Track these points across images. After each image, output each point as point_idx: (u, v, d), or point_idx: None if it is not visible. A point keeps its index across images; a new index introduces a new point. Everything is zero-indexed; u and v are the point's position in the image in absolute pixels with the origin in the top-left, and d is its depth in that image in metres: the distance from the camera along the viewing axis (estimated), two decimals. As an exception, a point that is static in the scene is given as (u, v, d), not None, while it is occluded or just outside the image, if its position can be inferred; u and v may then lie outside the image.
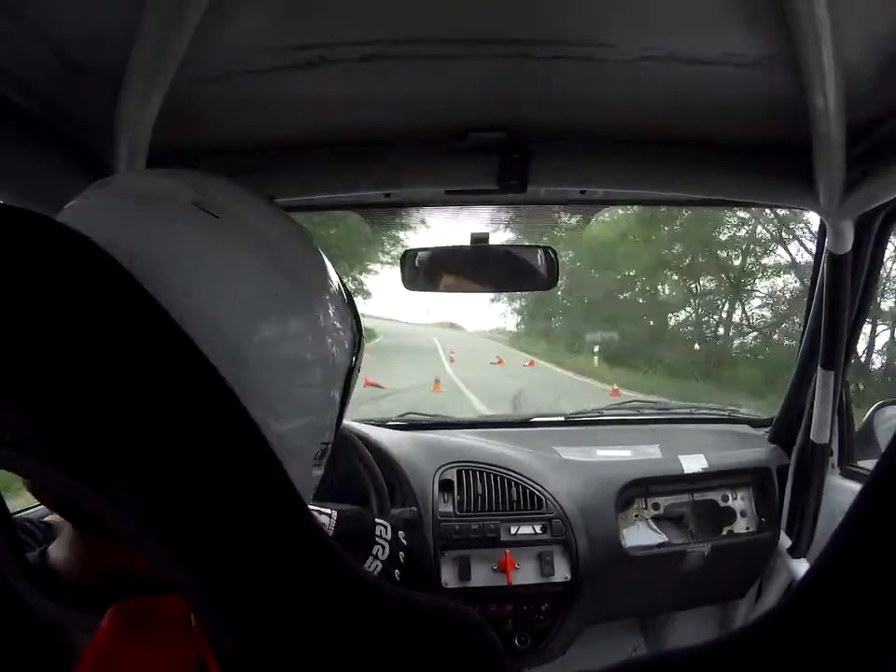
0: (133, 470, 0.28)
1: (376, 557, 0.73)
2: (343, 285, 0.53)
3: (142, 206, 0.43)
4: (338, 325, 0.48)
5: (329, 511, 0.78)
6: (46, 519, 0.58)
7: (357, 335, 0.52)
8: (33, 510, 0.93)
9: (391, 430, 1.50)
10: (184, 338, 0.31)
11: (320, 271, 0.49)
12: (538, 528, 1.29)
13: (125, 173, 0.48)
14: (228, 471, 0.30)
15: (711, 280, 12.83)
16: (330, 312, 0.48)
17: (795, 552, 1.39)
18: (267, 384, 0.42)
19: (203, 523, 0.29)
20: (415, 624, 0.37)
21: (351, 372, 0.50)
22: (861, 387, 8.05)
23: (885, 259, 1.24)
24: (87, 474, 0.28)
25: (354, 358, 0.51)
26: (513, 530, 1.28)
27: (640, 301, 14.07)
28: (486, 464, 1.36)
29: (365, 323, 0.55)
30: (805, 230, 10.63)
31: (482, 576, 1.25)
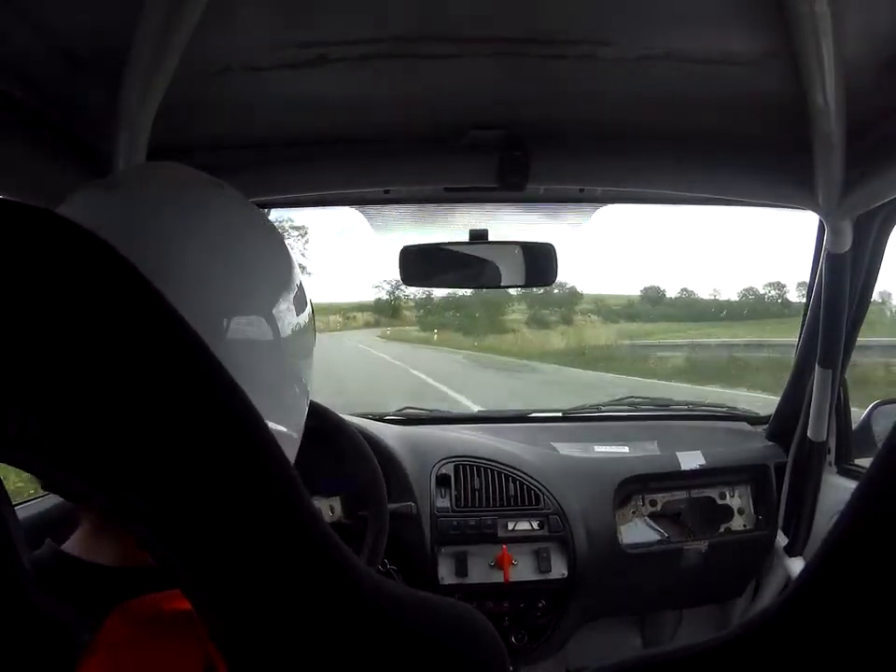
0: (133, 469, 0.28)
1: None
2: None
3: (139, 194, 0.45)
4: (302, 308, 0.51)
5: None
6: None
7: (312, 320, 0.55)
8: (32, 502, 0.93)
9: (389, 425, 1.50)
10: (190, 333, 0.31)
11: (288, 258, 0.52)
12: (535, 524, 1.29)
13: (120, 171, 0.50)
14: (229, 470, 0.30)
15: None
16: (295, 296, 0.50)
17: (792, 549, 1.39)
18: (257, 366, 0.44)
19: (203, 520, 0.29)
20: (417, 622, 0.37)
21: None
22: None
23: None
24: (87, 474, 0.28)
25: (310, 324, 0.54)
26: (511, 526, 1.28)
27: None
28: (484, 459, 1.36)
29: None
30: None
31: (478, 572, 1.25)
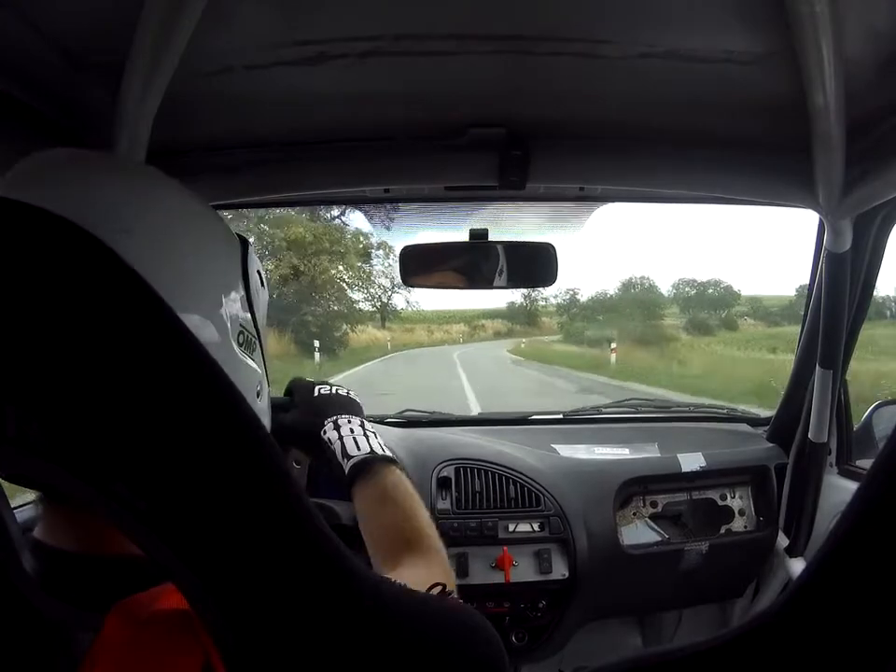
0: (133, 470, 0.28)
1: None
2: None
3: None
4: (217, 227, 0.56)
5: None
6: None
7: (245, 246, 0.59)
8: (32, 506, 0.93)
9: (389, 427, 1.50)
10: (184, 333, 0.31)
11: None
12: (535, 526, 1.29)
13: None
14: (228, 471, 0.30)
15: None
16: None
17: (793, 551, 1.39)
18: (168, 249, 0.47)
19: (202, 521, 0.29)
20: (417, 622, 0.37)
21: (246, 266, 0.57)
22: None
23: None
24: (88, 473, 0.28)
25: (245, 258, 0.58)
26: (511, 528, 1.28)
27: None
28: (484, 461, 1.36)
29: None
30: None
31: (479, 573, 1.25)
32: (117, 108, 0.78)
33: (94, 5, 0.65)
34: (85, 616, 0.37)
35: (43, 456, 0.28)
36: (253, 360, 0.56)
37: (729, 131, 0.97)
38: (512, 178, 1.02)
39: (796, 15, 0.65)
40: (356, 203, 1.35)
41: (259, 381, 0.57)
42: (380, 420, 1.58)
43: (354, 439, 0.78)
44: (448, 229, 1.46)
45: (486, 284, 1.34)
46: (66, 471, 0.28)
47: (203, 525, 0.29)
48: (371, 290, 22.03)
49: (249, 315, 0.56)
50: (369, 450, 0.77)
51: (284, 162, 1.03)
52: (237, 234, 0.58)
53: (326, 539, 0.33)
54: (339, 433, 0.79)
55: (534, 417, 1.72)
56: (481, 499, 1.31)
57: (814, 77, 0.74)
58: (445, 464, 1.34)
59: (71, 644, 0.36)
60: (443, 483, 1.32)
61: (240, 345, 0.54)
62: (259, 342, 0.58)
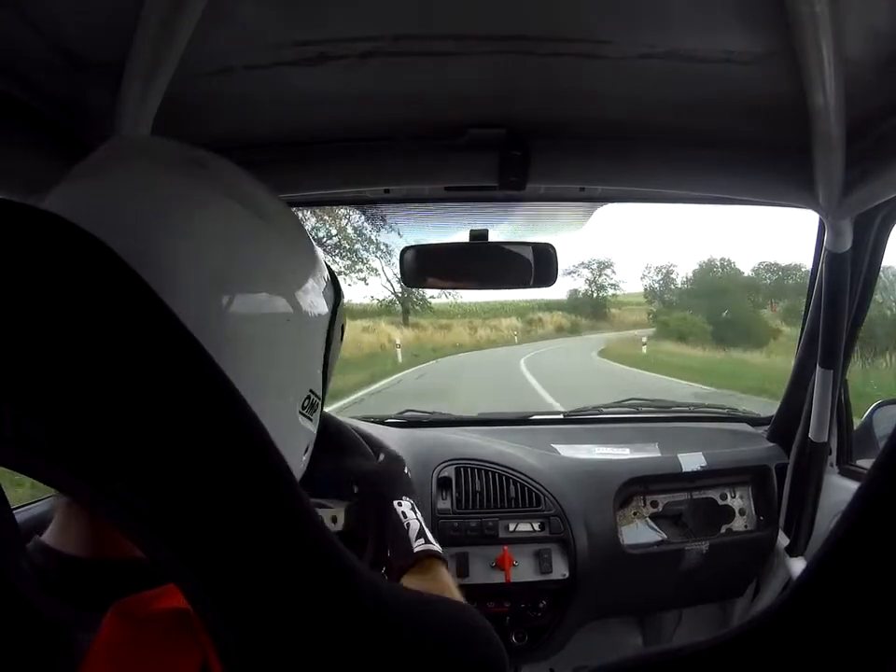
0: (133, 470, 0.28)
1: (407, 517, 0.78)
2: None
3: (141, 165, 0.45)
4: (319, 278, 0.52)
5: (331, 507, 0.79)
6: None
7: (338, 296, 0.56)
8: (33, 505, 0.93)
9: (389, 427, 1.50)
10: (184, 332, 0.31)
11: (299, 229, 0.53)
12: (536, 526, 1.29)
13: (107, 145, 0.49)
14: (228, 471, 0.30)
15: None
16: (315, 264, 0.52)
17: (793, 550, 1.39)
18: (252, 320, 0.44)
19: (202, 521, 0.29)
20: (417, 621, 0.37)
21: (332, 326, 0.54)
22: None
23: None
24: (88, 473, 0.28)
25: (334, 314, 0.55)
26: (511, 527, 1.28)
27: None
28: (485, 461, 1.36)
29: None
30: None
31: (480, 573, 1.25)
32: (117, 108, 0.78)
33: (94, 5, 0.65)
34: (85, 616, 0.37)
35: (43, 456, 0.28)
36: (312, 420, 0.53)
37: (729, 131, 0.97)
38: (512, 179, 1.02)
39: (796, 15, 0.65)
40: (356, 203, 1.35)
41: (310, 440, 0.55)
42: (380, 420, 1.58)
43: (420, 524, 0.80)
44: (448, 229, 1.46)
45: (487, 285, 1.34)
46: (66, 471, 0.28)
47: (202, 526, 0.29)
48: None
49: (321, 378, 0.53)
50: (433, 543, 0.78)
51: (284, 163, 1.03)
52: (334, 283, 0.56)
53: (325, 539, 0.33)
54: (414, 513, 0.81)
55: (534, 417, 1.72)
56: (481, 499, 1.31)
57: (814, 77, 0.74)
58: (446, 464, 1.34)
59: (71, 644, 0.36)
60: (444, 483, 1.32)
61: (302, 409, 0.50)
62: (323, 395, 0.55)
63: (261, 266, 0.45)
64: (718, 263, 24.23)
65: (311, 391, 0.51)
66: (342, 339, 0.58)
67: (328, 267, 0.56)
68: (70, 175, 0.45)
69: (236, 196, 0.45)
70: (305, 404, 0.50)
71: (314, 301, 0.50)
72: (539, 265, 1.26)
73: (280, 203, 0.52)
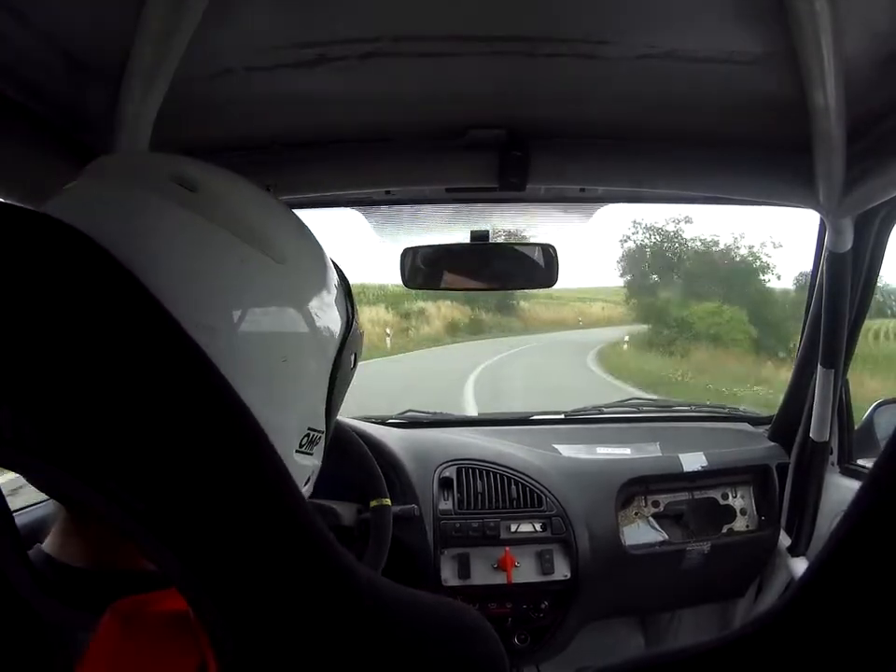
0: (131, 470, 0.28)
1: None
2: (339, 269, 0.53)
3: (121, 184, 0.43)
4: (322, 304, 0.48)
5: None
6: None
7: (350, 319, 0.52)
8: (32, 508, 0.93)
9: (391, 428, 1.50)
10: (181, 334, 0.31)
11: (306, 250, 0.48)
12: (537, 526, 1.29)
13: (104, 157, 0.47)
14: (226, 470, 0.30)
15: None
16: (316, 291, 0.47)
17: (795, 550, 1.39)
18: (243, 358, 0.41)
19: (202, 521, 0.29)
20: (416, 622, 0.37)
21: (339, 357, 0.50)
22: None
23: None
24: (87, 474, 0.28)
25: (342, 343, 0.50)
26: (513, 528, 1.28)
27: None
28: (486, 462, 1.36)
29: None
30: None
31: (481, 574, 1.25)
32: (117, 110, 0.78)
33: (95, 7, 0.66)
34: (85, 617, 0.37)
35: (43, 458, 0.28)
36: (313, 454, 0.50)
37: (729, 131, 0.97)
38: (513, 179, 1.02)
39: (796, 15, 0.65)
40: (357, 204, 1.36)
41: (313, 471, 0.52)
42: (382, 421, 1.58)
43: None
44: (449, 230, 1.46)
45: (488, 285, 1.34)
46: (67, 472, 0.28)
47: (201, 526, 0.29)
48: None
49: (323, 413, 0.50)
50: None
51: (283, 165, 1.03)
52: (348, 297, 0.52)
53: (324, 539, 0.33)
54: None
55: (535, 417, 1.72)
56: (483, 500, 1.31)
57: (814, 77, 0.74)
58: (447, 464, 1.34)
59: (70, 645, 0.37)
60: (445, 484, 1.32)
61: (300, 447, 0.48)
62: (328, 426, 0.52)
63: (249, 302, 0.42)
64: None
65: (310, 429, 0.48)
66: (354, 366, 0.53)
67: (344, 283, 0.52)
68: (48, 203, 0.43)
69: (225, 222, 0.42)
70: (303, 441, 0.48)
71: (313, 338, 0.46)
72: (541, 265, 1.26)
73: (278, 222, 0.47)
